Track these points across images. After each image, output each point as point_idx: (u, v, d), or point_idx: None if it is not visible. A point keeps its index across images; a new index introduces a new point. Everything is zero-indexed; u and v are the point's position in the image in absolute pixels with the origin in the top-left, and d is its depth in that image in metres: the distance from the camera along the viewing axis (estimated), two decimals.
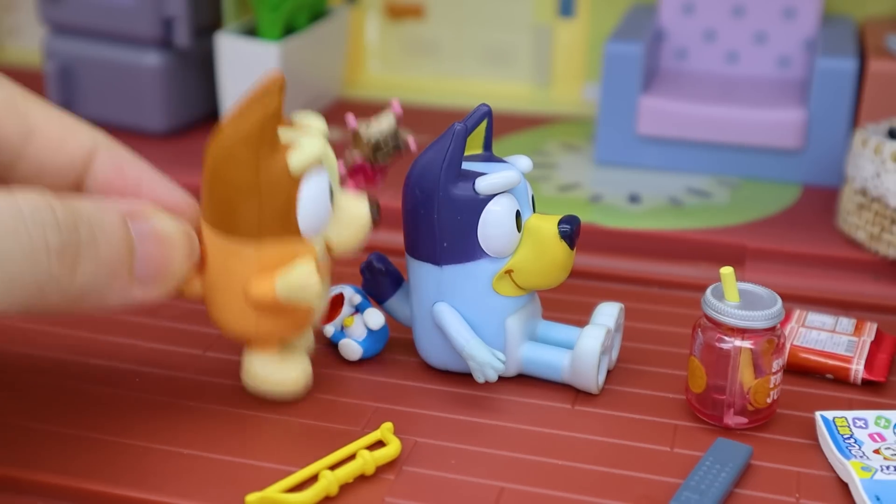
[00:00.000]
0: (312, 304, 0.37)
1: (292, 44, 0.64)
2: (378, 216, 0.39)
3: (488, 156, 0.42)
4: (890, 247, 0.51)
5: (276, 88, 0.36)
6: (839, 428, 0.39)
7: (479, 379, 0.41)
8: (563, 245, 0.40)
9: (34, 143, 0.39)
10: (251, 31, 0.66)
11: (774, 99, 0.62)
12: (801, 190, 0.60)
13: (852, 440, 0.38)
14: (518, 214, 0.41)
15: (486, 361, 0.40)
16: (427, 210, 0.40)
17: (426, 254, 0.41)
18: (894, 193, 0.50)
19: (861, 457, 0.37)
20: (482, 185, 0.40)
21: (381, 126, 0.41)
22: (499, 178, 0.40)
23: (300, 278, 0.37)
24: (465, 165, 0.41)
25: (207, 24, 0.66)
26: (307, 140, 0.37)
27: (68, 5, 0.65)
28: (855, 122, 0.59)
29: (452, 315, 0.41)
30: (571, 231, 0.40)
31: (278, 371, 0.40)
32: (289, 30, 0.66)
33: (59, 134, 0.39)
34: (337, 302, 0.45)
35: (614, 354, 0.44)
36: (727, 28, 0.65)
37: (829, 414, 0.40)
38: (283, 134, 0.37)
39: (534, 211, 0.42)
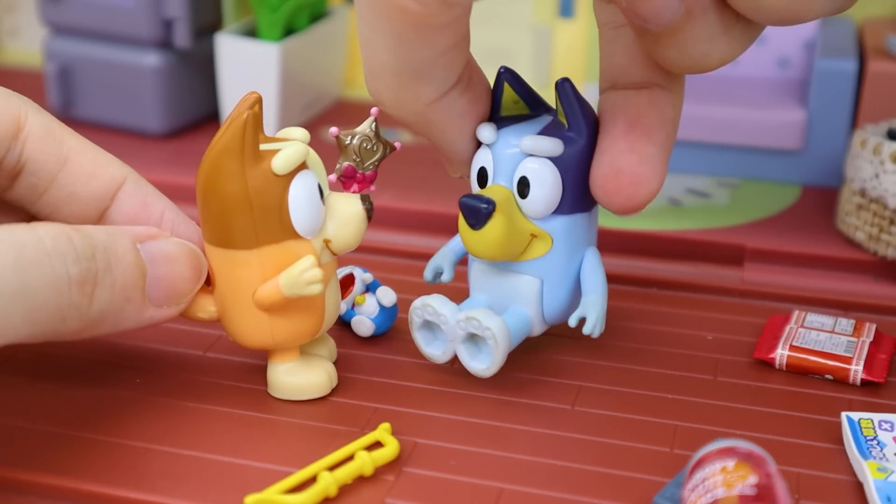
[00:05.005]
0: (315, 292, 0.38)
1: (292, 44, 0.64)
2: (371, 210, 0.40)
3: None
4: (889, 247, 0.51)
5: (250, 102, 0.38)
6: (863, 429, 0.39)
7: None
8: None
9: (67, 171, 0.40)
10: (251, 32, 0.66)
11: (774, 100, 0.62)
12: (801, 190, 0.60)
13: (875, 442, 0.38)
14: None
15: (428, 265, 0.44)
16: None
17: None
18: (893, 194, 0.50)
19: (881, 458, 0.37)
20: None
21: (363, 133, 0.43)
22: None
23: (299, 267, 0.38)
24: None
25: (207, 24, 0.66)
26: (288, 145, 0.38)
27: (69, 6, 0.65)
28: (854, 122, 0.59)
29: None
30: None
31: (301, 378, 0.41)
32: (289, 30, 0.66)
33: (93, 164, 0.41)
34: (348, 281, 0.46)
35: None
36: None
37: (856, 415, 0.40)
38: (267, 146, 0.38)
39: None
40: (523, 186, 0.40)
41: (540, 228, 0.41)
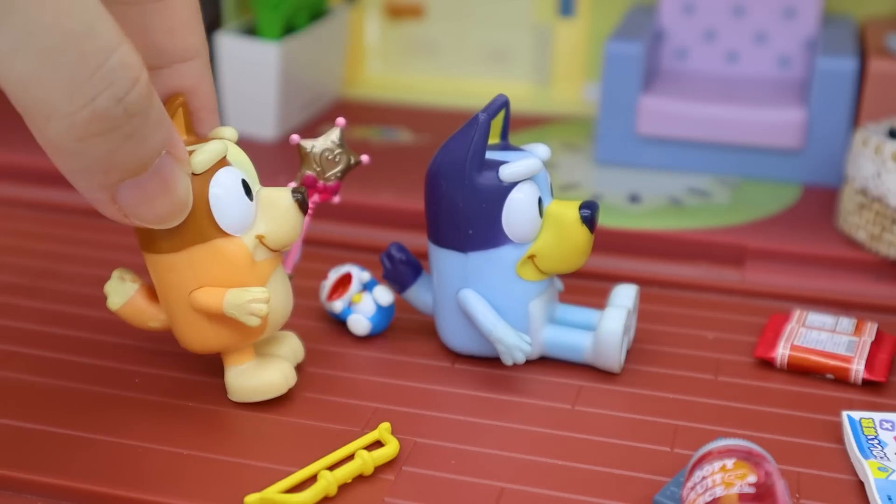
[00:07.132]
0: (252, 324, 0.38)
1: (292, 44, 0.64)
2: (306, 203, 0.39)
3: (505, 144, 0.43)
4: (890, 247, 0.51)
5: (173, 106, 0.37)
6: (864, 429, 0.39)
7: (508, 361, 0.42)
8: (584, 229, 0.41)
9: (159, 8, 0.38)
10: (251, 31, 0.66)
11: (774, 99, 0.62)
12: (802, 190, 0.60)
13: (876, 441, 0.38)
14: (540, 201, 0.41)
15: (515, 344, 0.41)
16: (452, 199, 0.41)
17: (451, 242, 0.42)
18: (895, 193, 0.50)
19: (881, 458, 0.37)
20: (506, 173, 0.41)
21: (325, 142, 0.42)
22: (523, 166, 0.41)
23: (250, 295, 0.38)
24: (486, 154, 0.41)
25: (207, 24, 0.66)
26: (207, 144, 0.38)
27: None
28: (855, 121, 0.59)
29: (478, 301, 0.42)
30: (592, 216, 0.41)
31: (253, 379, 0.40)
32: (289, 29, 0.66)
33: (181, 24, 0.38)
34: (345, 280, 0.46)
35: (631, 334, 0.45)
36: (727, 28, 0.65)
37: (857, 415, 0.40)
38: (191, 147, 0.38)
39: (552, 197, 0.43)
40: (552, 189, 0.43)
41: None
